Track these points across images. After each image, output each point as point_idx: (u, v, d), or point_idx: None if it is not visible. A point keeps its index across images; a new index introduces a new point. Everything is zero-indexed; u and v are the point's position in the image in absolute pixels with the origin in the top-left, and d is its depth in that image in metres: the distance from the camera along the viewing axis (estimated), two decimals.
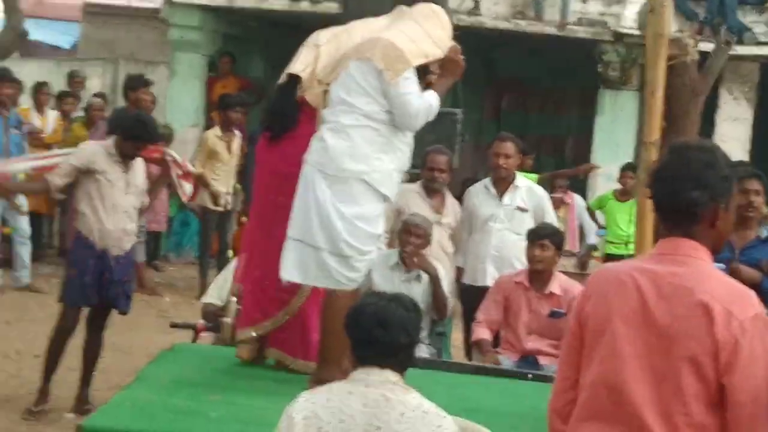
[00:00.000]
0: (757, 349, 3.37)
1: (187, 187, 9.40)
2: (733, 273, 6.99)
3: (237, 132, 13.23)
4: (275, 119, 6.73)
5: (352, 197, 6.14)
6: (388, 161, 6.23)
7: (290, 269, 6.29)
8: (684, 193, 3.51)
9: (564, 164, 18.06)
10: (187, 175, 9.56)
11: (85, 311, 8.43)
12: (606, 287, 3.57)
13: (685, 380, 3.38)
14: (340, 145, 6.12)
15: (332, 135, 6.15)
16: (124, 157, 8.33)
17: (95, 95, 15.65)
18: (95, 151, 8.40)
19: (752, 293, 3.49)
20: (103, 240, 8.25)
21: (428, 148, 9.01)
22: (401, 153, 6.32)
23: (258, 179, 6.86)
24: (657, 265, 3.53)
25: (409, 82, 6.17)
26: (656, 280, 3.49)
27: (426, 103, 6.22)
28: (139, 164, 8.52)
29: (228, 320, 7.41)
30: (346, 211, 6.12)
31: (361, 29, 6.60)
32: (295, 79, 6.62)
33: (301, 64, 6.61)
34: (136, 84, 13.08)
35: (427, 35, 6.39)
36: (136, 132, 8.38)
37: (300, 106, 6.61)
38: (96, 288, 8.26)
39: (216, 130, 13.24)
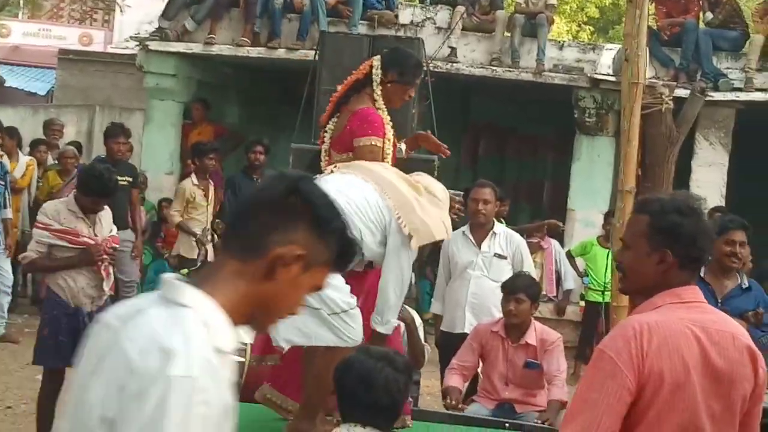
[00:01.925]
0: None
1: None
2: None
3: (210, 180, 13.24)
4: None
5: None
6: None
7: (289, 333, 6.12)
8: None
9: (541, 210, 18.08)
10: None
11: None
12: (676, 341, 3.64)
13: (737, 418, 3.72)
14: None
15: None
16: (86, 212, 8.26)
17: (69, 143, 15.58)
18: (57, 208, 8.29)
19: None
20: (75, 297, 8.14)
21: None
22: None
23: None
24: (696, 313, 3.73)
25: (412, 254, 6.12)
26: (705, 328, 3.68)
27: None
28: (105, 216, 8.40)
29: None
30: None
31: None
32: None
33: None
34: (112, 132, 13.04)
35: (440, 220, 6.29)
36: (90, 186, 8.27)
37: None
38: (71, 347, 8.11)
39: (192, 178, 13.26)
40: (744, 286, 7.46)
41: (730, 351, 3.67)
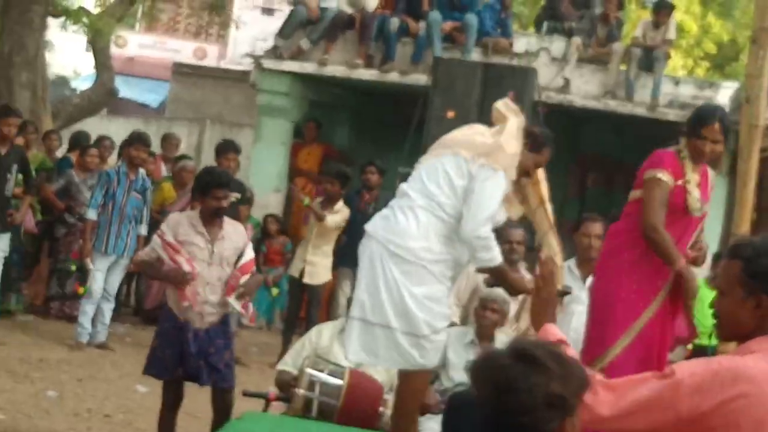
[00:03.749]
0: None
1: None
2: None
3: (340, 206, 12.91)
4: None
5: (420, 278, 6.13)
6: (448, 252, 6.26)
7: (357, 350, 6.22)
8: None
9: None
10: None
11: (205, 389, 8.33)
12: (764, 391, 3.51)
13: None
14: (407, 224, 6.15)
15: (402, 213, 6.25)
16: (211, 222, 8.16)
17: (180, 156, 15.69)
18: (179, 220, 8.27)
19: None
20: (184, 312, 8.07)
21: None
22: (461, 247, 6.33)
23: None
24: None
25: (498, 180, 6.20)
26: None
27: (490, 227, 6.25)
28: (233, 234, 8.26)
29: (301, 391, 7.29)
30: (416, 291, 6.08)
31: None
32: None
33: None
34: (223, 149, 13.13)
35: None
36: (204, 180, 8.27)
37: None
38: (175, 360, 8.08)
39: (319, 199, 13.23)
40: None
41: None
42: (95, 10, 19.29)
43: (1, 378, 10.34)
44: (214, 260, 8.13)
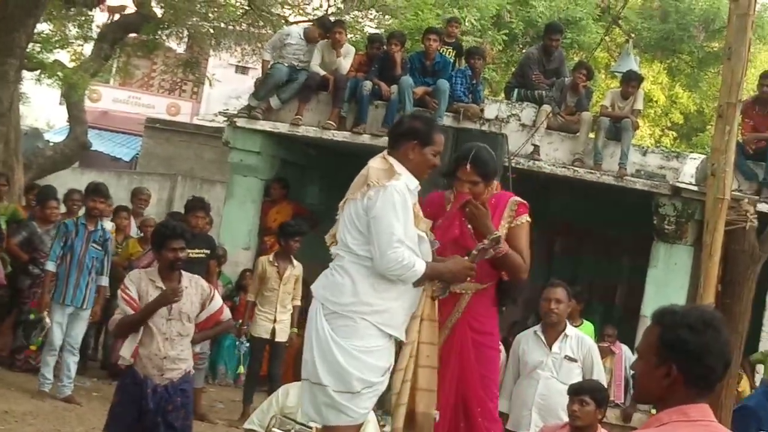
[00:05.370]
0: None
1: None
2: None
3: (296, 263, 13.11)
4: None
5: (355, 331, 6.15)
6: (386, 299, 6.24)
7: (307, 409, 6.33)
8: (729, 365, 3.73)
9: (613, 311, 17.94)
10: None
11: None
12: None
13: None
14: (342, 281, 6.22)
15: (336, 271, 6.29)
16: (169, 276, 8.17)
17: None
18: (139, 277, 8.28)
19: None
20: (144, 368, 8.06)
21: None
22: (406, 289, 6.33)
23: None
24: None
25: (386, 198, 6.22)
26: None
27: (399, 249, 6.18)
28: (191, 288, 8.26)
29: None
30: (347, 344, 6.11)
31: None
32: None
33: None
34: (192, 206, 13.19)
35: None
36: (159, 233, 8.35)
37: None
38: (137, 417, 8.05)
39: (269, 257, 13.23)
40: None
41: None
42: (70, 64, 19.36)
43: None
44: (173, 315, 8.13)
